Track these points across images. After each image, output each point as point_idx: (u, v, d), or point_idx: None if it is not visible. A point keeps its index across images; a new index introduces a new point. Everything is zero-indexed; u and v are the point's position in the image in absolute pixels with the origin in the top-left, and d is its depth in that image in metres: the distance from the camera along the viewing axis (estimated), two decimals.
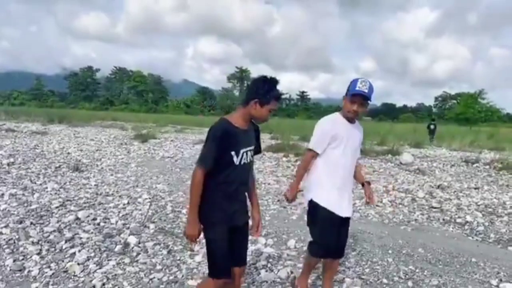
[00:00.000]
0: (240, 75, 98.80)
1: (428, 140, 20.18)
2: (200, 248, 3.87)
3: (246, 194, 2.47)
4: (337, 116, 2.73)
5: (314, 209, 2.74)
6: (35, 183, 6.59)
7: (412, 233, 5.00)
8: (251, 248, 3.93)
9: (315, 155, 2.73)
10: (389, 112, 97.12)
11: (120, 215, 4.98)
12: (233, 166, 2.25)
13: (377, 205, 6.27)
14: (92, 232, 4.24)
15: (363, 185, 2.94)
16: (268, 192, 6.80)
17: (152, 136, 15.90)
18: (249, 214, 2.51)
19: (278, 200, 6.12)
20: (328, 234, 2.73)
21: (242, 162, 2.27)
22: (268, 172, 8.78)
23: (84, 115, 33.97)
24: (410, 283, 3.41)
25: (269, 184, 7.49)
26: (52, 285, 3.11)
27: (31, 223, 4.42)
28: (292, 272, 3.45)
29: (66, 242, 3.91)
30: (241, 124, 2.28)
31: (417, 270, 3.70)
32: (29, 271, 3.30)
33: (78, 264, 3.43)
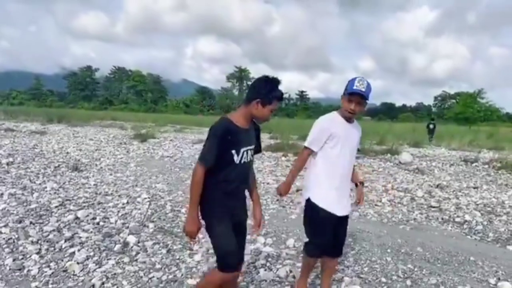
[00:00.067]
0: (239, 74, 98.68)
1: (427, 139, 20.20)
2: (199, 248, 3.89)
3: (246, 193, 2.48)
4: (335, 115, 2.73)
5: (310, 208, 2.75)
6: (35, 182, 6.59)
7: (411, 232, 5.02)
8: (250, 247, 3.94)
9: (311, 153, 2.73)
10: (389, 112, 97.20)
11: (120, 214, 4.98)
12: (234, 165, 2.26)
13: (376, 205, 6.28)
14: (91, 232, 4.25)
15: (356, 185, 2.95)
16: (267, 191, 6.80)
17: (151, 135, 15.90)
18: (248, 213, 2.53)
19: (277, 200, 6.13)
20: (323, 234, 2.73)
21: (242, 161, 2.29)
22: (267, 171, 8.79)
23: (83, 114, 33.95)
24: (408, 282, 3.42)
25: (268, 183, 7.50)
26: (52, 284, 3.11)
27: (31, 222, 4.42)
28: (291, 271, 3.46)
29: (65, 241, 3.91)
30: (242, 123, 2.29)
31: (415, 269, 3.71)
32: (28, 270, 3.31)
33: (78, 263, 3.44)
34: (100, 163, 9.16)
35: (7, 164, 8.03)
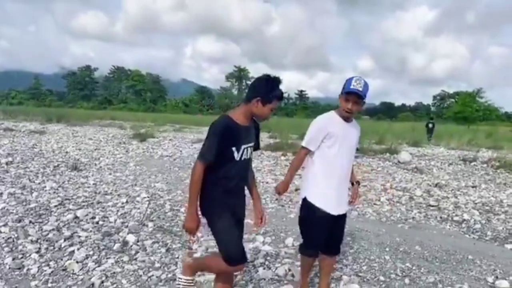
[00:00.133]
0: (239, 74, 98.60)
1: (426, 139, 20.24)
2: (199, 247, 3.90)
3: (246, 192, 2.50)
4: (333, 115, 2.73)
5: (306, 207, 2.75)
6: (34, 182, 6.59)
7: (410, 231, 5.04)
8: (249, 246, 3.95)
9: (308, 152, 2.74)
10: (388, 111, 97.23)
11: (119, 213, 4.99)
12: (234, 162, 2.28)
13: (374, 204, 6.30)
14: (90, 231, 4.26)
15: (352, 184, 2.96)
16: (266, 190, 6.82)
17: (150, 135, 15.91)
18: (246, 212, 2.54)
19: (276, 199, 6.15)
20: (318, 233, 2.74)
21: (242, 158, 2.31)
22: (267, 171, 8.81)
23: (83, 114, 33.91)
24: (407, 280, 3.44)
25: (267, 183, 7.51)
26: (51, 283, 3.12)
27: (30, 221, 4.43)
28: (289, 270, 3.47)
29: (65, 240, 3.92)
30: (242, 121, 2.31)
31: (414, 268, 3.73)
32: (28, 269, 3.31)
33: (77, 262, 3.44)
34: (100, 162, 9.17)
35: (7, 163, 8.03)
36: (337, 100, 2.74)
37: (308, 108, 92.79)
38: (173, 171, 8.51)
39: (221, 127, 2.22)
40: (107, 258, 3.59)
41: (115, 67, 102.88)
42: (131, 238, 4.05)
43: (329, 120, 2.71)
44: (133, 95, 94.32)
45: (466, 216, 5.72)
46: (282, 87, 2.34)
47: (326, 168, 2.69)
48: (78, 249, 3.73)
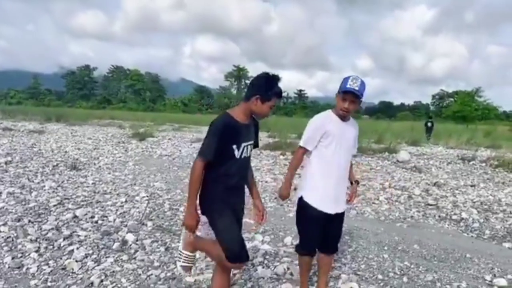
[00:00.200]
0: (238, 73, 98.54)
1: (425, 138, 20.26)
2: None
3: (246, 191, 2.51)
4: (330, 114, 2.73)
5: (302, 206, 2.76)
6: (33, 181, 6.59)
7: (408, 229, 5.05)
8: (248, 245, 3.96)
9: (305, 152, 2.75)
10: (387, 110, 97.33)
11: (118, 213, 5.00)
12: (234, 160, 2.29)
13: (373, 203, 6.32)
14: (90, 230, 4.26)
15: (351, 183, 2.97)
16: (265, 190, 6.83)
17: (149, 134, 15.92)
18: (245, 211, 2.56)
19: (275, 198, 6.16)
20: (314, 232, 2.75)
21: (242, 156, 2.32)
22: (266, 170, 8.81)
23: (82, 113, 33.89)
24: (405, 279, 3.45)
25: (266, 182, 7.53)
26: (51, 282, 3.13)
27: (29, 221, 4.44)
28: (288, 269, 3.49)
29: (64, 239, 3.93)
30: (242, 119, 2.32)
31: (412, 266, 3.74)
32: (27, 269, 3.32)
33: (76, 261, 3.45)
34: (99, 162, 9.17)
35: (6, 163, 8.02)
36: None
37: (307, 107, 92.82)
38: (172, 171, 8.52)
39: (222, 125, 2.23)
40: (106, 257, 3.60)
41: (114, 67, 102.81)
42: (130, 237, 4.06)
43: (326, 119, 2.71)
44: (132, 95, 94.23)
45: (464, 215, 5.73)
46: (281, 85, 2.36)
47: (324, 167, 2.70)
48: (77, 248, 3.74)
